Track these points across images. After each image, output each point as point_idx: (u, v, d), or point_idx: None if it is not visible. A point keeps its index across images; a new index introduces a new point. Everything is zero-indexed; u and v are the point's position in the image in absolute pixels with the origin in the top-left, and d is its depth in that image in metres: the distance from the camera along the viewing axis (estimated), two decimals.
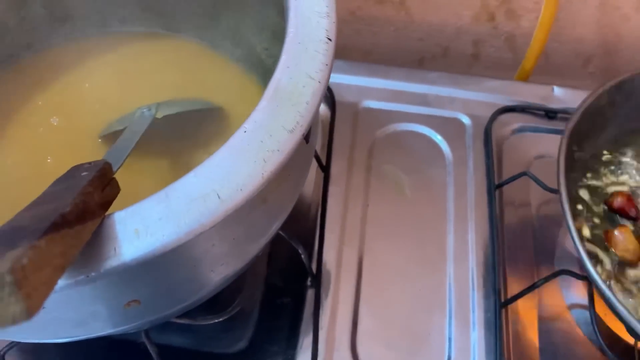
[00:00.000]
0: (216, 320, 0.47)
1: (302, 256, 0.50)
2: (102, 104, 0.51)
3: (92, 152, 0.48)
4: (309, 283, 0.52)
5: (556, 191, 0.48)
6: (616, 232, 0.50)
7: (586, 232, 0.51)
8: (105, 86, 0.52)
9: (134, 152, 0.39)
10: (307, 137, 0.39)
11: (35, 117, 0.50)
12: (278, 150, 0.29)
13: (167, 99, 0.51)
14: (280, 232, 0.51)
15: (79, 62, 0.53)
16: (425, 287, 0.53)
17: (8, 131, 0.49)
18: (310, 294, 0.52)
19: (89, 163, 0.30)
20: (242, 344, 0.51)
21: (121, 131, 0.45)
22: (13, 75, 0.52)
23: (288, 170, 0.35)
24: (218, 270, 0.35)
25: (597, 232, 0.51)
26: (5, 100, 0.51)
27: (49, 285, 0.19)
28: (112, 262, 0.25)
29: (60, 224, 0.21)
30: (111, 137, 0.47)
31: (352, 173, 0.59)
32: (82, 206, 0.24)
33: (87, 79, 0.52)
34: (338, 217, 0.56)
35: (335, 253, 0.54)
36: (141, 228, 0.26)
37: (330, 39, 0.34)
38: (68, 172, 0.28)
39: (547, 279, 0.50)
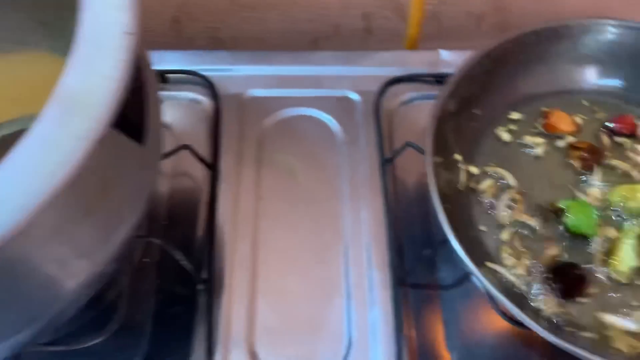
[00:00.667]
0: (95, 341, 0.44)
1: (182, 262, 0.48)
2: None
3: None
4: (201, 287, 0.50)
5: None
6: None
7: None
8: None
9: None
10: (139, 138, 0.37)
11: None
12: (66, 162, 0.27)
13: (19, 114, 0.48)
14: (154, 240, 0.49)
15: None
16: (322, 272, 0.52)
17: None
18: (203, 298, 0.50)
19: None
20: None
21: None
22: None
23: (104, 179, 0.32)
24: (62, 283, 0.32)
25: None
26: None
27: None
28: None
29: None
30: None
31: (242, 167, 0.57)
32: None
33: None
34: (230, 215, 0.54)
35: (228, 252, 0.52)
36: None
37: (129, 33, 0.31)
38: None
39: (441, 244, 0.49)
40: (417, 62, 0.64)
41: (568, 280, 0.47)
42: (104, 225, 0.35)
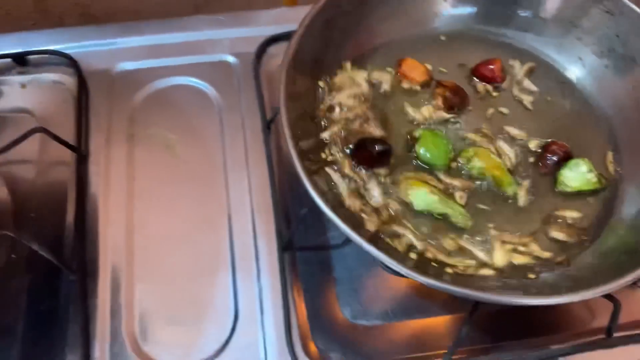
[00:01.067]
0: None
1: (45, 255, 0.44)
2: None
3: None
4: (72, 278, 0.47)
5: None
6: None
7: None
8: None
9: None
10: None
11: None
12: None
13: None
14: (8, 233, 0.45)
15: None
16: (206, 248, 0.49)
17: None
18: (75, 290, 0.46)
19: None
20: None
21: None
22: None
23: None
24: None
25: None
26: None
27: None
28: None
29: None
30: None
31: (112, 147, 0.53)
32: None
33: None
34: (101, 199, 0.50)
35: (101, 239, 0.49)
36: None
37: None
38: None
39: None
40: (296, 19, 0.61)
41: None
42: None
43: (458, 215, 0.45)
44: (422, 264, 0.43)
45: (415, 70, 0.52)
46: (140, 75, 0.57)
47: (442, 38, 0.55)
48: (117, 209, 0.50)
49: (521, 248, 0.45)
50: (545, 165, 0.48)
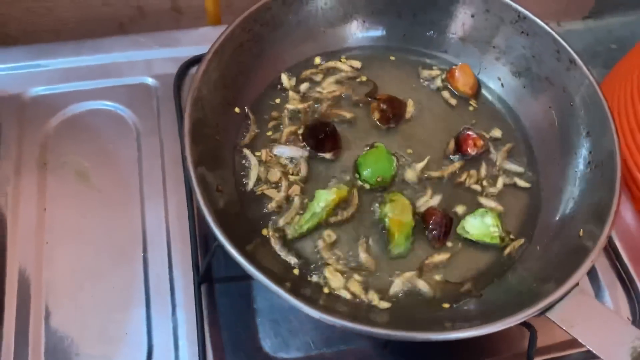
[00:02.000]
0: None
1: None
2: None
3: None
4: None
5: None
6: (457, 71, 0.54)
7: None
8: None
9: None
10: None
11: None
12: None
13: None
14: None
15: None
16: (119, 282, 0.47)
17: None
18: None
19: None
20: None
21: None
22: None
23: None
24: None
25: None
26: None
27: None
28: None
29: None
30: None
31: (22, 175, 0.50)
32: None
33: None
34: (8, 233, 0.48)
35: (9, 273, 0.46)
36: None
37: None
38: None
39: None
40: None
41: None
42: None
43: None
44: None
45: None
46: (54, 100, 0.55)
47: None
48: (25, 242, 0.47)
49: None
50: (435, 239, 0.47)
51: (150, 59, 0.58)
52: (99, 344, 0.44)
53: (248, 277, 0.47)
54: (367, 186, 0.48)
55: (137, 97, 0.56)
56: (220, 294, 0.47)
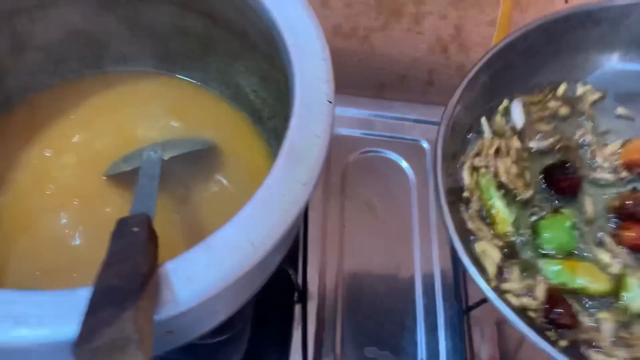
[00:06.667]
0: (219, 339, 0.52)
1: (292, 276, 0.56)
2: (101, 141, 0.55)
3: (98, 190, 0.51)
4: (295, 299, 0.58)
5: None
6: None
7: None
8: (102, 124, 0.56)
9: None
10: None
11: (35, 159, 0.53)
12: (296, 202, 0.35)
13: (162, 135, 0.55)
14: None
15: (74, 102, 0.56)
16: (396, 296, 0.60)
17: (8, 174, 0.52)
18: (297, 308, 0.58)
19: (133, 217, 0.34)
20: (237, 358, 0.56)
21: (129, 172, 0.49)
22: (9, 118, 0.55)
23: None
24: (238, 300, 0.40)
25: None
26: (3, 143, 0.53)
27: (151, 335, 0.24)
28: (172, 308, 0.30)
29: (144, 282, 0.27)
30: (118, 177, 0.51)
31: (329, 197, 0.66)
32: (150, 262, 0.29)
33: (83, 118, 0.56)
34: (318, 239, 0.62)
35: (317, 271, 0.60)
36: (192, 275, 0.31)
37: (330, 102, 0.40)
38: (118, 227, 0.33)
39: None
40: None
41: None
42: (280, 251, 0.42)
43: None
44: None
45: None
46: (353, 142, 0.70)
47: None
48: (331, 249, 0.62)
49: None
50: None
51: (428, 125, 0.72)
52: (385, 337, 0.58)
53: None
54: None
55: (414, 153, 0.70)
56: (477, 325, 0.60)
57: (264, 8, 0.43)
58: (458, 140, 0.57)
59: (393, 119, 0.72)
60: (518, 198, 0.55)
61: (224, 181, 0.54)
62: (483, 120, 0.59)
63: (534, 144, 0.58)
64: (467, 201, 0.54)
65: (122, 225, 0.33)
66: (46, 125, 0.54)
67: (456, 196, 0.54)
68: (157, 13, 0.54)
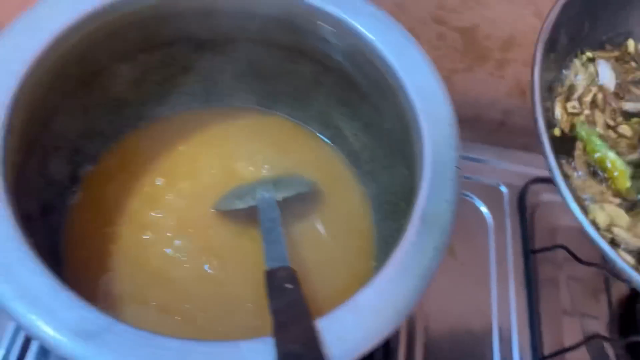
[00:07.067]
0: None
1: None
2: (206, 173, 0.58)
3: (207, 222, 0.54)
4: None
5: (590, 264, 0.58)
6: None
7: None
8: (207, 156, 0.59)
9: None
10: None
11: (147, 188, 0.56)
12: (430, 267, 0.37)
13: (264, 171, 0.58)
14: None
15: (183, 134, 0.59)
16: (473, 336, 0.62)
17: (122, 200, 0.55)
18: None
19: (280, 271, 0.37)
20: None
21: (242, 210, 0.51)
22: (123, 146, 0.58)
23: None
24: None
25: None
26: (118, 172, 0.56)
27: None
28: None
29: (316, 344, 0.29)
30: (228, 212, 0.53)
31: None
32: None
33: (190, 150, 0.59)
34: None
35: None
36: (342, 335, 0.33)
37: (458, 167, 0.42)
38: (270, 281, 0.35)
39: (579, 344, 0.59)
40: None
41: None
42: None
43: None
44: None
45: None
46: None
47: None
48: None
49: None
50: None
51: (506, 169, 0.74)
52: None
53: None
54: None
55: (492, 197, 0.72)
56: None
57: (392, 71, 0.45)
58: (552, 71, 0.50)
59: (472, 162, 0.74)
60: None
61: (320, 222, 0.56)
62: (576, 61, 0.53)
63: (629, 106, 0.51)
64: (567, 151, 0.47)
65: (273, 280, 0.35)
66: (156, 155, 0.57)
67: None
68: (268, 56, 0.56)
